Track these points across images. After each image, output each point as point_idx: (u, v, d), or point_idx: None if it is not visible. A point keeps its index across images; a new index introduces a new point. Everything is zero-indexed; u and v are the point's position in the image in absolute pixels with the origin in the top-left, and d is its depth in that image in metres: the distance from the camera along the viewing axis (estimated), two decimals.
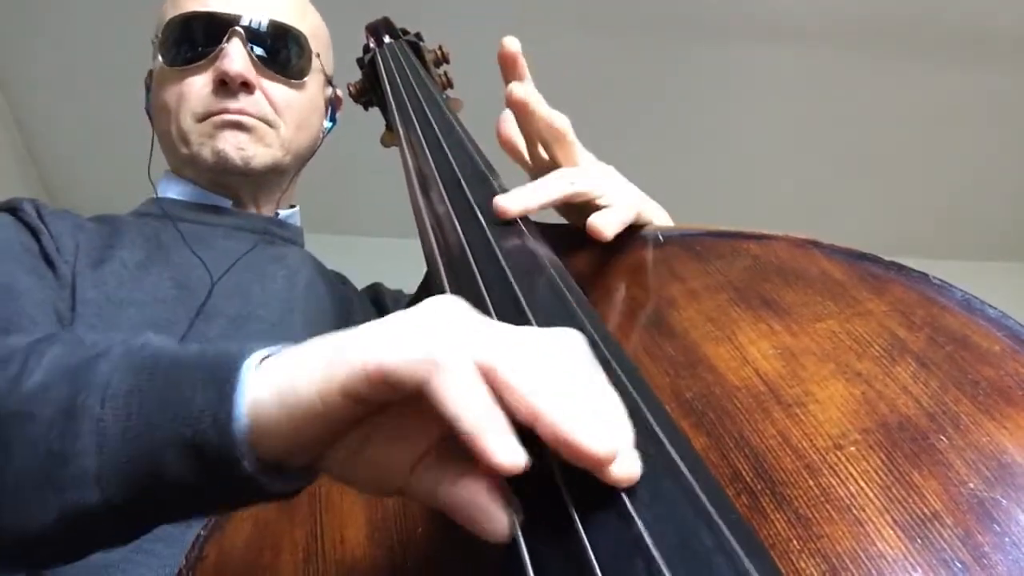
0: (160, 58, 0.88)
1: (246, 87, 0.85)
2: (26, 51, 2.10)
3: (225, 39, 0.85)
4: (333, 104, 0.99)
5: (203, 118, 0.85)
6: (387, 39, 1.01)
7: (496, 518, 0.31)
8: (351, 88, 1.05)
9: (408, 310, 0.34)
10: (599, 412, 0.31)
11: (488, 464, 0.29)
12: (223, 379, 0.35)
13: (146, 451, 0.36)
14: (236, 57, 0.84)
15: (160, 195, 0.91)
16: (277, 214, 0.92)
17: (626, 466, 0.30)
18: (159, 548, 0.64)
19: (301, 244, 0.94)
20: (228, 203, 0.90)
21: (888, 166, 2.43)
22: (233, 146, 0.84)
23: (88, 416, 0.37)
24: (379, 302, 0.98)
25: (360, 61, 1.04)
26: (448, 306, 0.34)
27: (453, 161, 0.64)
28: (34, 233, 0.75)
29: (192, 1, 0.88)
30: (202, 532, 0.48)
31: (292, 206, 0.98)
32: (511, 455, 0.29)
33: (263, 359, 0.36)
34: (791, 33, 2.10)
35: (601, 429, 0.29)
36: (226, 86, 0.84)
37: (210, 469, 0.35)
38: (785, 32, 2.10)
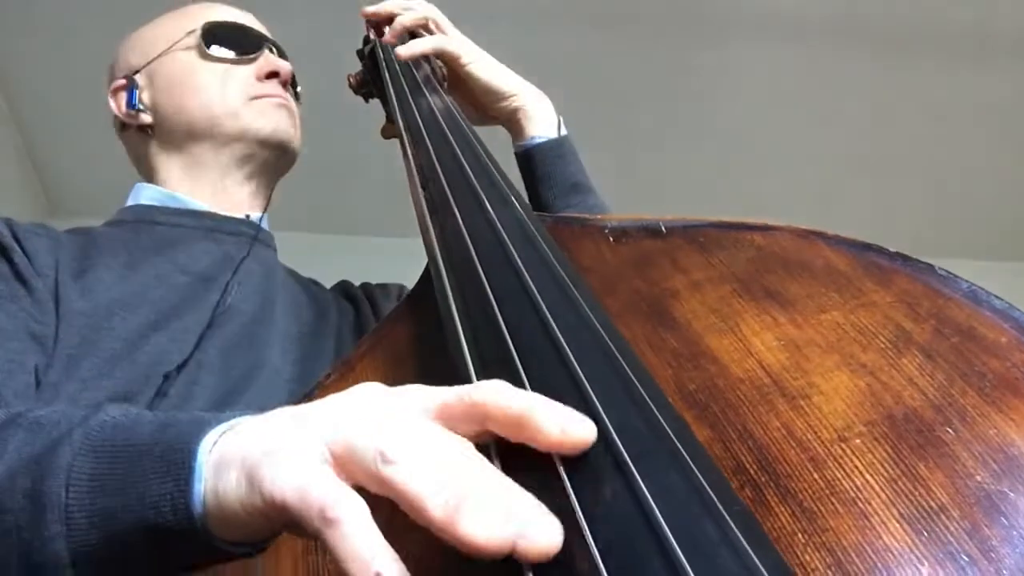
0: (201, 46, 0.93)
1: (285, 86, 0.94)
2: (26, 51, 2.09)
3: (263, 48, 0.95)
4: None
5: (254, 98, 0.92)
6: (387, 30, 1.00)
7: None
8: (351, 79, 1.05)
9: (325, 413, 0.36)
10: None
11: None
12: (180, 466, 0.38)
13: (113, 535, 0.39)
14: (280, 59, 0.95)
15: (135, 202, 0.93)
16: (248, 216, 0.93)
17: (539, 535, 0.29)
18: None
19: (274, 249, 0.97)
20: (204, 207, 0.91)
21: (888, 166, 2.43)
22: (287, 124, 0.93)
23: (55, 504, 0.40)
24: (352, 298, 1.00)
25: (360, 52, 1.03)
26: (360, 407, 0.35)
27: (457, 150, 0.64)
28: (5, 253, 0.75)
29: (229, 12, 0.98)
30: None
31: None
32: None
33: (216, 442, 0.38)
34: (791, 33, 2.10)
35: (492, 517, 0.29)
36: (272, 78, 0.93)
37: (175, 547, 0.38)
38: (785, 32, 2.10)
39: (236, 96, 0.92)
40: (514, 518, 0.29)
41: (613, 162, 2.27)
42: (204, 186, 0.92)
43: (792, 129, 2.32)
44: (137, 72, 0.95)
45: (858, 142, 2.36)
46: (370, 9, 1.01)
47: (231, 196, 0.93)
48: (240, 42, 0.95)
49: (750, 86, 2.23)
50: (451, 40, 0.95)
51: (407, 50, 0.93)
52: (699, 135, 2.32)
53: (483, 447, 0.33)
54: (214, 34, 0.94)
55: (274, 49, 0.97)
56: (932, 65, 2.17)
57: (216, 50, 0.94)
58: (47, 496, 0.40)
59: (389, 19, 1.03)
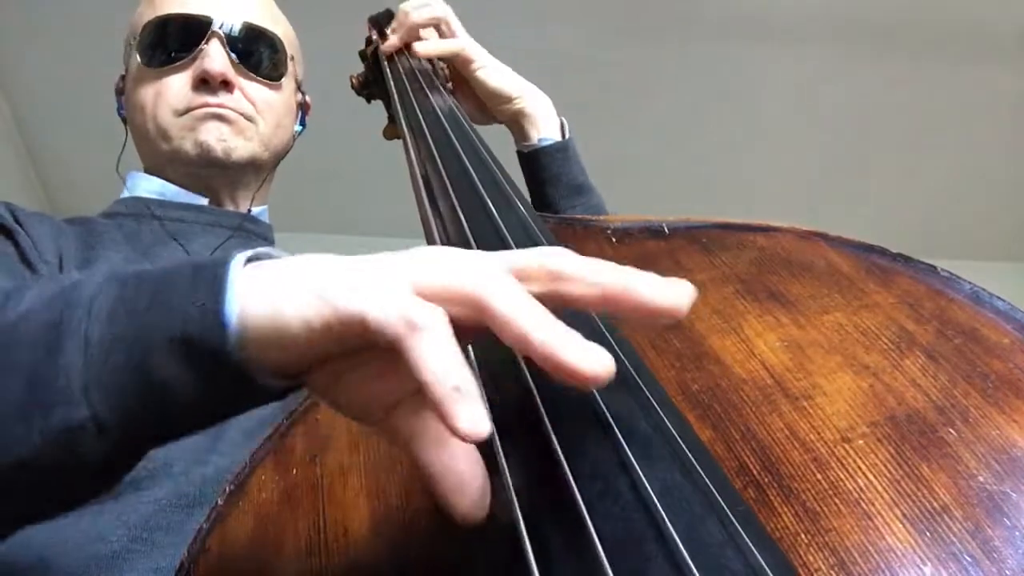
0: (138, 58, 0.89)
1: (226, 86, 0.87)
2: (26, 51, 2.09)
3: (205, 41, 0.86)
4: (303, 109, 1.01)
5: (183, 113, 0.86)
6: (389, 31, 1.00)
7: (468, 495, 0.32)
8: (353, 80, 1.05)
9: (395, 254, 0.35)
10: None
11: (449, 428, 0.29)
12: (211, 278, 0.35)
13: (134, 356, 0.35)
14: (216, 57, 0.86)
15: (131, 194, 0.91)
16: (250, 211, 0.93)
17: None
18: (158, 537, 0.64)
19: (272, 241, 0.96)
20: (204, 201, 0.90)
21: (887, 165, 2.43)
22: (215, 137, 0.86)
23: (73, 331, 0.36)
24: None
25: (362, 54, 1.03)
26: (440, 251, 0.35)
27: (461, 151, 0.64)
28: (9, 235, 0.74)
29: (170, 3, 0.89)
30: (204, 524, 0.48)
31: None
32: (472, 423, 0.29)
33: (247, 260, 0.36)
34: (791, 33, 2.11)
35: (587, 346, 0.29)
36: (206, 84, 0.86)
37: (201, 365, 0.34)
38: (785, 32, 2.10)
39: (166, 113, 0.87)
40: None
41: (613, 160, 2.28)
42: (190, 187, 0.91)
43: (792, 129, 2.32)
44: (124, 76, 0.95)
45: (857, 142, 2.36)
46: (402, 9, 0.95)
47: (216, 196, 0.92)
48: (180, 39, 0.87)
49: (750, 86, 2.23)
50: (467, 45, 0.93)
51: (425, 48, 0.90)
52: (699, 134, 2.32)
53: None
54: (154, 36, 0.88)
55: (223, 36, 0.87)
56: (932, 64, 2.17)
57: (153, 57, 0.88)
58: (66, 325, 0.36)
59: (391, 19, 1.03)
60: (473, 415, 0.28)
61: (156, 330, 0.35)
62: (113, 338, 0.35)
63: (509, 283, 0.31)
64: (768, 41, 2.12)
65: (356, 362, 0.34)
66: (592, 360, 0.29)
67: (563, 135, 0.94)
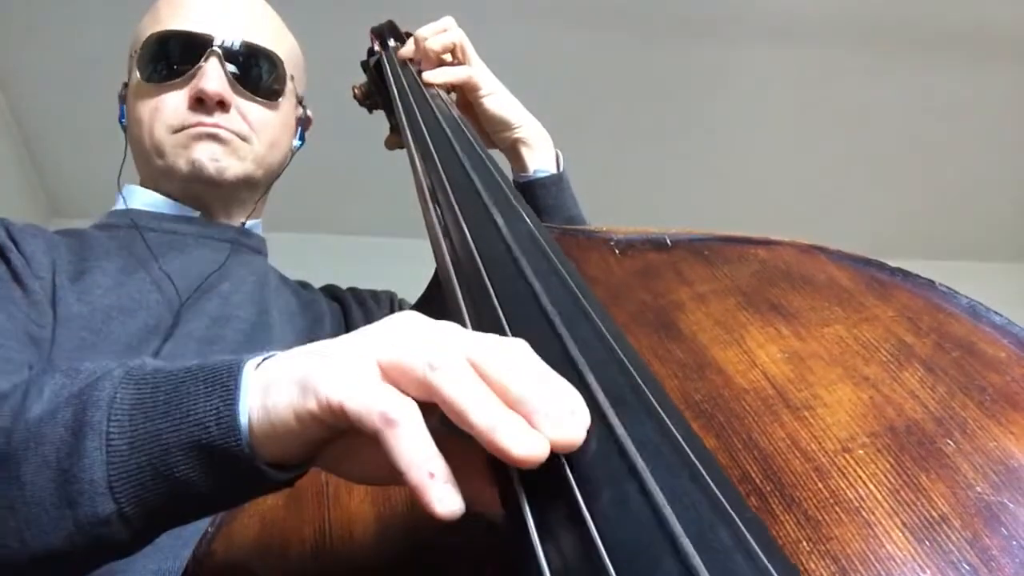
0: (137, 73, 0.90)
1: (222, 105, 0.87)
2: (26, 51, 2.09)
3: (203, 59, 0.87)
4: (303, 124, 1.01)
5: (178, 130, 0.87)
6: (392, 42, 1.01)
7: (481, 509, 0.35)
8: (356, 91, 1.05)
9: (368, 334, 0.37)
10: (541, 406, 0.33)
11: (427, 511, 0.32)
12: (225, 385, 0.38)
13: (155, 456, 0.38)
14: (213, 76, 0.86)
15: (125, 206, 0.91)
16: (243, 224, 0.94)
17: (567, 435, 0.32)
18: (162, 539, 0.64)
19: (265, 254, 0.96)
20: (197, 214, 0.91)
21: (888, 166, 2.44)
22: (208, 157, 0.86)
23: (95, 432, 0.39)
24: (340, 300, 1.00)
25: (364, 64, 1.04)
26: (403, 329, 0.37)
27: (465, 162, 0.65)
28: (2, 254, 0.74)
29: (171, 19, 0.89)
30: (210, 529, 0.48)
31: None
32: (447, 507, 0.32)
33: (258, 365, 0.39)
34: (791, 33, 2.12)
35: (526, 433, 0.32)
36: (202, 103, 0.86)
37: (218, 467, 0.38)
38: (785, 32, 2.11)
39: (161, 129, 0.87)
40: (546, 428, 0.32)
41: (612, 162, 2.28)
42: (184, 201, 0.91)
43: (791, 129, 2.33)
44: (127, 84, 0.95)
45: (858, 142, 2.37)
46: (420, 36, 0.95)
47: (209, 211, 0.92)
48: (179, 56, 0.88)
49: (750, 86, 2.24)
50: (477, 71, 0.92)
51: (434, 76, 0.90)
52: (699, 135, 2.33)
53: None
54: (154, 51, 0.89)
55: (221, 54, 0.87)
56: (932, 65, 2.18)
57: (153, 72, 0.88)
58: (88, 425, 0.39)
59: (394, 30, 1.04)
60: (448, 499, 0.32)
61: (174, 434, 0.38)
62: (133, 439, 0.39)
63: (457, 366, 0.34)
64: (768, 41, 2.13)
65: (357, 440, 0.37)
66: (523, 445, 0.31)
67: (558, 167, 0.94)
